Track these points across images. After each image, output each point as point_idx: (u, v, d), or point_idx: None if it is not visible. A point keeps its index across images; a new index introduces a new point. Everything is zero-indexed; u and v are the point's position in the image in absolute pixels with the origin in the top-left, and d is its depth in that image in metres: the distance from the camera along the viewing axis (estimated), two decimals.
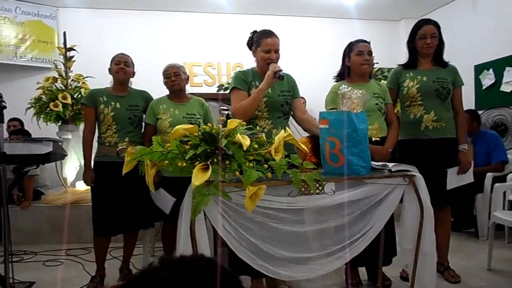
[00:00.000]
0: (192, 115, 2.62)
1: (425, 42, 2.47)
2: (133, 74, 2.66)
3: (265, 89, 2.16)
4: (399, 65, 2.63)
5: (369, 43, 2.45)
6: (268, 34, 2.24)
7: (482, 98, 4.78)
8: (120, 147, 2.29)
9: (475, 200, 3.60)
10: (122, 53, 2.65)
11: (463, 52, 4.72)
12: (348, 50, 2.45)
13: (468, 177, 2.53)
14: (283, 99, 2.28)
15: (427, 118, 2.47)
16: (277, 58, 2.24)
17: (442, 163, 2.47)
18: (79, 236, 3.63)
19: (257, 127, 2.02)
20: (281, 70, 2.17)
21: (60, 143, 2.88)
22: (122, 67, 2.57)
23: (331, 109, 2.34)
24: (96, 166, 2.55)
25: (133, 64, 2.66)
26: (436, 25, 2.51)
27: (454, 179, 2.48)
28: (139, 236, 2.75)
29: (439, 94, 2.47)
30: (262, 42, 2.22)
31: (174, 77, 2.62)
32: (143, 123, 2.65)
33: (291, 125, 2.37)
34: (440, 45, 2.53)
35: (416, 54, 2.55)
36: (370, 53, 2.41)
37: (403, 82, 2.54)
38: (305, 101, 5.97)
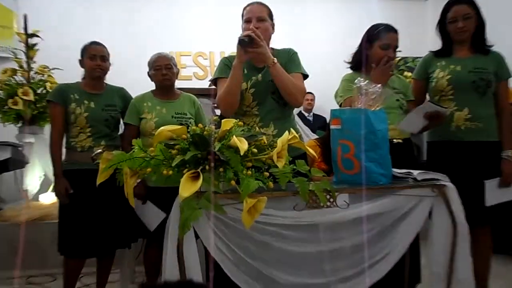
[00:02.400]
0: (182, 114, 2.63)
1: (457, 26, 2.44)
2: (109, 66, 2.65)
3: (238, 63, 2.03)
4: (430, 51, 2.60)
5: (397, 32, 2.43)
6: (249, 3, 2.22)
7: None
8: (95, 152, 2.31)
9: None
10: (95, 43, 2.62)
11: (503, 36, 4.68)
12: (372, 36, 2.43)
13: None
14: (274, 86, 2.14)
15: (458, 116, 2.44)
16: (265, 29, 2.13)
17: (478, 172, 2.41)
18: (44, 260, 3.60)
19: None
20: (249, 36, 1.97)
21: (20, 148, 2.89)
22: (98, 63, 2.55)
23: (345, 99, 2.34)
24: (65, 175, 2.52)
25: (109, 55, 2.64)
26: (470, 2, 2.45)
27: (495, 194, 2.40)
28: (115, 258, 2.74)
29: (476, 87, 2.42)
30: (243, 13, 2.21)
31: (166, 70, 2.63)
32: (122, 124, 2.67)
33: (298, 127, 2.37)
34: (481, 26, 2.48)
35: (450, 40, 2.52)
36: (395, 48, 2.40)
37: (432, 72, 2.53)
38: (314, 97, 6.02)
